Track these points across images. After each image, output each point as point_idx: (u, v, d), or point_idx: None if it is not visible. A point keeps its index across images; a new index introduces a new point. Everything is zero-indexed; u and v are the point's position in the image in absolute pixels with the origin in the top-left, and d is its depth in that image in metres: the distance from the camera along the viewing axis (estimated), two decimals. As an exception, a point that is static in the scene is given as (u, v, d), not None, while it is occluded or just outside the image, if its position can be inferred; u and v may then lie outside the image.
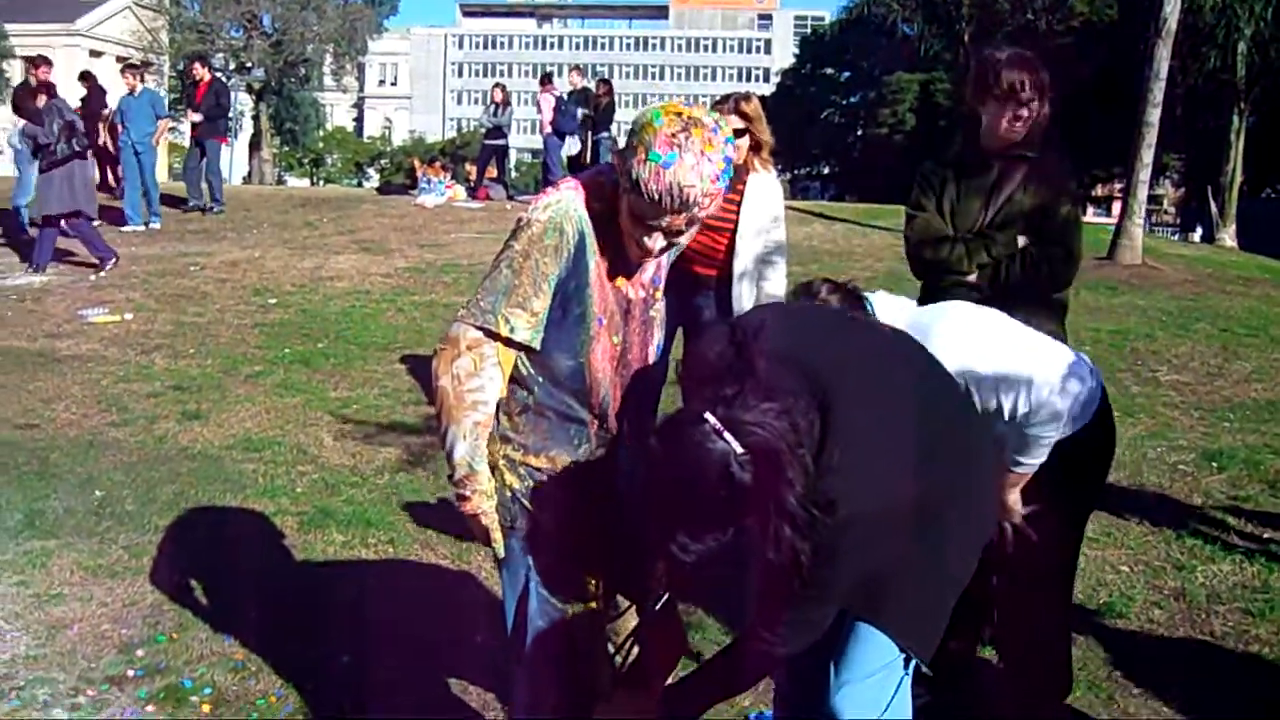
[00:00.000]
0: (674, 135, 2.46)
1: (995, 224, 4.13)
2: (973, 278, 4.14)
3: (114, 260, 12.51)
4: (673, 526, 2.26)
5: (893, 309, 3.37)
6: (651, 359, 2.90)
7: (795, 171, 66.57)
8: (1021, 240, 4.12)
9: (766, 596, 2.55)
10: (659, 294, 2.90)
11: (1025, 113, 4.08)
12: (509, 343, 2.67)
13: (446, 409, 2.67)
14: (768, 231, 5.50)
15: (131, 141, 15.28)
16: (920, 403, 2.55)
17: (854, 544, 2.37)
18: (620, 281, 2.74)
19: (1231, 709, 4.01)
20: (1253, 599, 4.89)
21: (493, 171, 20.61)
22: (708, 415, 2.22)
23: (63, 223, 12.45)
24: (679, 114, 2.50)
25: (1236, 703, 4.06)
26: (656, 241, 2.61)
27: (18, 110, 13.95)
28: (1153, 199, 39.68)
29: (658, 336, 2.92)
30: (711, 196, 2.52)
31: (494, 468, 2.74)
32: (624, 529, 2.81)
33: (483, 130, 21.71)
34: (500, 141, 20.42)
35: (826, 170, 66.23)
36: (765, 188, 5.52)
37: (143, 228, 15.11)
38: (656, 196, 2.48)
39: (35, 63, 13.91)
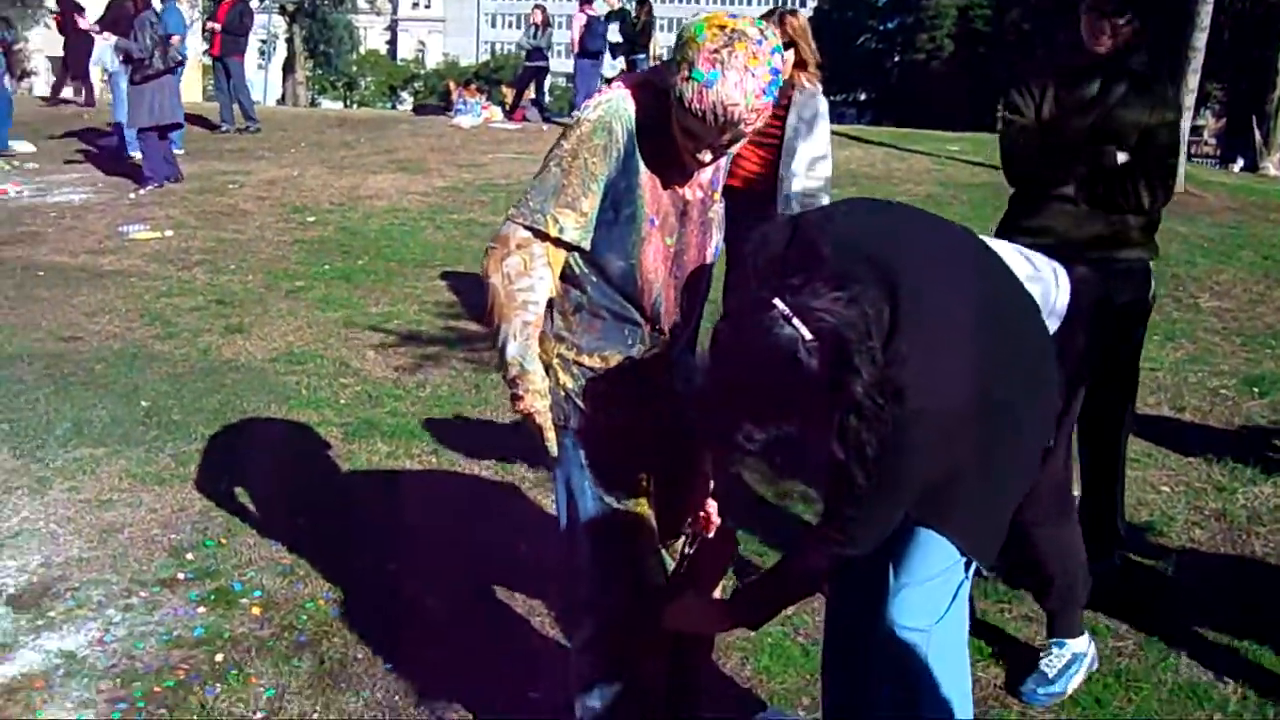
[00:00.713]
0: (716, 51, 2.41)
1: (1094, 137, 4.10)
2: (1068, 188, 4.13)
3: (159, 184, 12.48)
4: (738, 415, 2.24)
5: None
6: (709, 260, 2.89)
7: (832, 98, 65.61)
8: (1121, 156, 4.08)
9: (833, 493, 2.55)
10: (717, 195, 2.87)
11: (1107, 26, 4.05)
12: (558, 242, 2.66)
13: (498, 307, 2.67)
14: (812, 148, 5.46)
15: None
16: (989, 300, 2.51)
17: (921, 440, 2.34)
18: (677, 183, 2.73)
19: (1272, 626, 4.02)
20: (1294, 520, 4.89)
21: (530, 93, 20.48)
22: (776, 301, 2.18)
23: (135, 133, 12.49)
24: (722, 27, 2.45)
25: (1275, 618, 4.07)
26: (705, 155, 2.59)
27: (113, 26, 13.78)
28: (1194, 130, 39.19)
29: (716, 238, 2.90)
30: (758, 112, 2.48)
31: (548, 367, 2.74)
32: (679, 428, 2.82)
33: (521, 52, 21.54)
34: (540, 63, 20.22)
35: (864, 96, 65.56)
36: (810, 103, 5.48)
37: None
38: (700, 114, 2.46)
39: None
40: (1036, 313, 2.67)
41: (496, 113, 19.71)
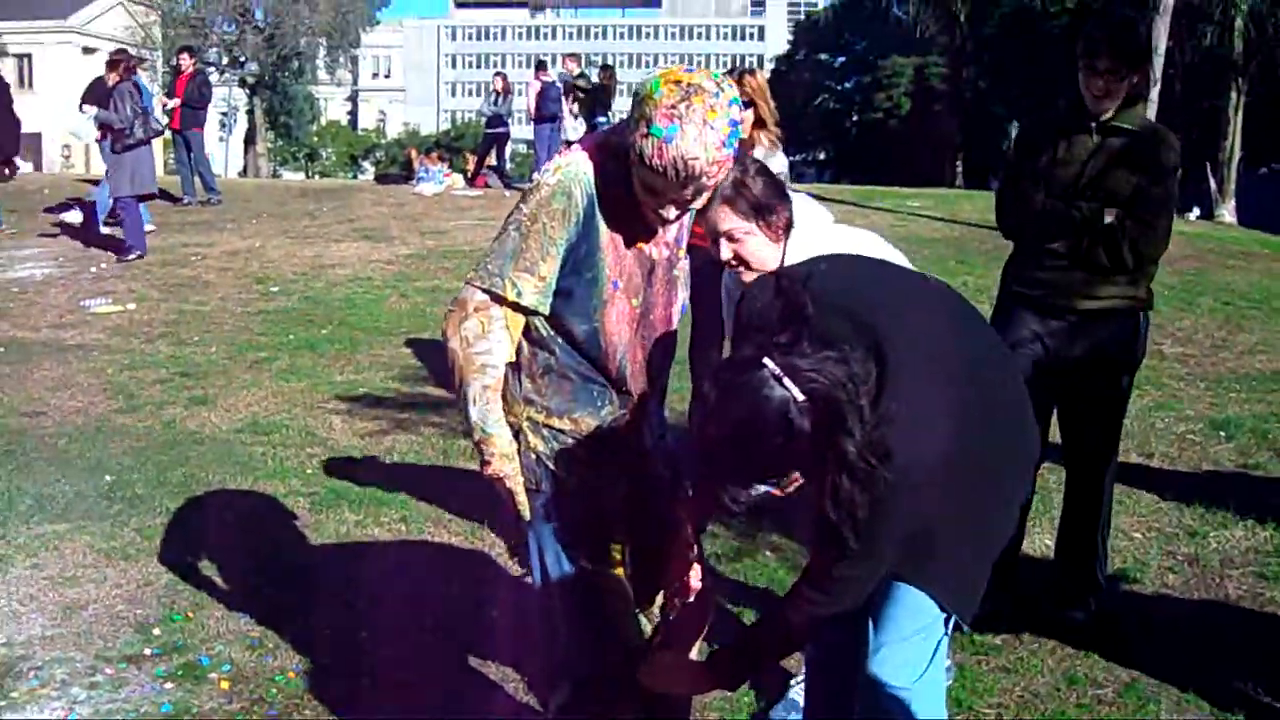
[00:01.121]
0: (674, 106, 2.42)
1: (1085, 192, 4.14)
2: (1058, 245, 4.18)
3: (141, 254, 12.43)
4: (724, 476, 2.23)
5: (805, 211, 3.37)
6: (675, 319, 2.88)
7: (791, 157, 66.10)
8: (1108, 216, 4.12)
9: (820, 552, 2.53)
10: (682, 252, 2.87)
11: (1101, 83, 4.09)
12: (516, 307, 2.65)
13: (458, 370, 2.66)
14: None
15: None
16: (968, 355, 2.52)
17: (906, 499, 2.33)
18: (641, 243, 2.72)
19: (1247, 668, 4.01)
20: (1266, 563, 4.90)
21: (492, 160, 20.58)
22: (767, 361, 2.17)
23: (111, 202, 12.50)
24: (678, 82, 2.45)
25: (1252, 662, 4.06)
26: (669, 211, 2.59)
27: (93, 100, 13.73)
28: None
29: (682, 296, 2.90)
30: (719, 164, 2.49)
31: (518, 430, 2.72)
32: (650, 493, 2.81)
33: (483, 119, 21.64)
34: (501, 130, 20.35)
35: (823, 155, 66.13)
36: (770, 163, 5.52)
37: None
38: (661, 170, 2.45)
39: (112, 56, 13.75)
40: (1013, 364, 2.68)
41: (458, 180, 19.77)
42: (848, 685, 2.68)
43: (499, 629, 4.31)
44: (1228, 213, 21.95)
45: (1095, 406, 4.28)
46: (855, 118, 61.94)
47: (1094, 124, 4.17)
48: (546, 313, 2.66)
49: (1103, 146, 4.15)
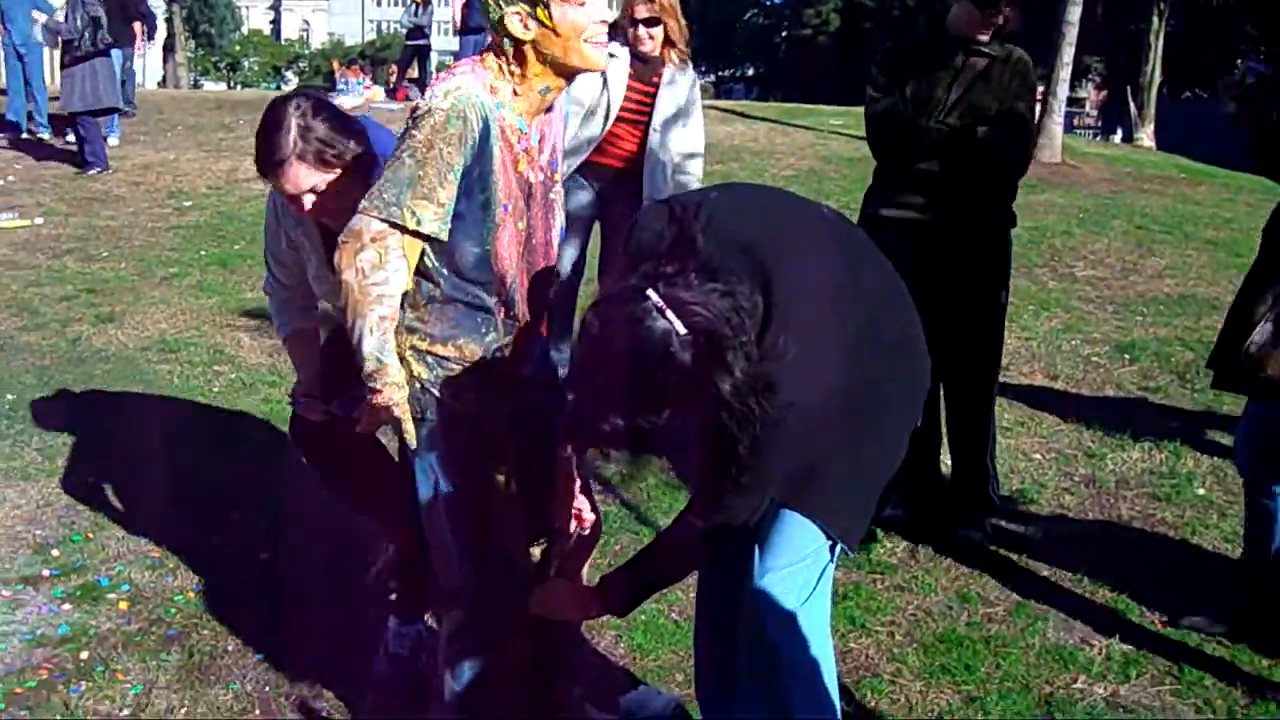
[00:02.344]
0: None
1: (953, 111, 4.20)
2: (931, 164, 4.24)
3: (102, 168, 12.15)
4: (605, 406, 2.22)
5: None
6: (555, 242, 2.87)
7: (719, 73, 66.13)
8: (981, 130, 4.19)
9: (701, 483, 2.54)
10: (557, 176, 2.86)
11: (1000, 19, 4.14)
12: (415, 234, 2.62)
13: (352, 303, 2.61)
14: (684, 123, 5.50)
15: (13, 42, 13.95)
16: (859, 288, 2.51)
17: (792, 431, 2.34)
18: (522, 165, 2.71)
19: (1134, 586, 4.12)
20: (1159, 484, 5.01)
21: (414, 72, 20.28)
22: (650, 292, 2.15)
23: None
24: None
25: (1139, 580, 4.17)
26: (605, 9, 2.65)
27: None
28: (1075, 101, 39.91)
29: (560, 219, 2.89)
30: None
31: (401, 358, 2.70)
32: (534, 417, 2.81)
33: (403, 31, 21.31)
34: (421, 41, 20.02)
35: (751, 72, 65.84)
36: (681, 79, 5.51)
37: (28, 136, 14.13)
38: None
39: None
40: (904, 293, 2.67)
41: (379, 92, 19.50)
42: (734, 610, 2.72)
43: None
44: (1146, 137, 22.10)
45: (974, 325, 4.34)
46: (784, 34, 61.59)
47: (960, 46, 4.23)
48: (445, 238, 2.64)
49: (966, 67, 4.24)
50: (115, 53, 12.51)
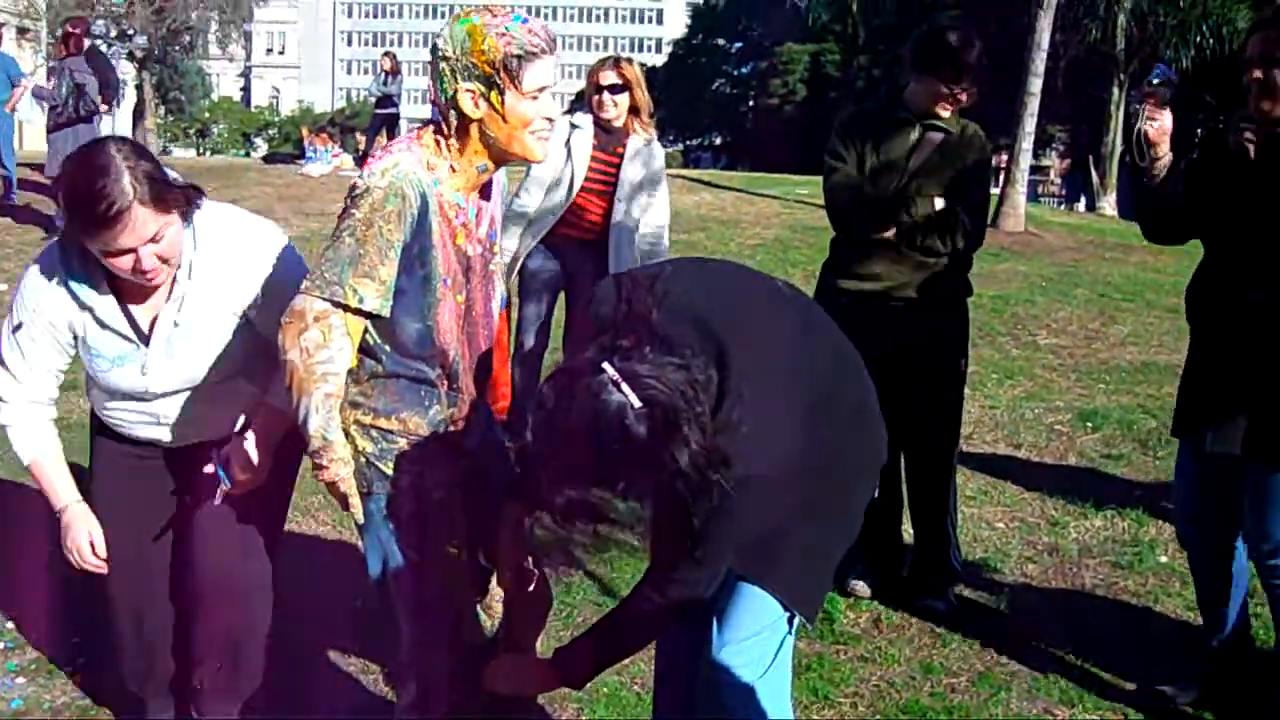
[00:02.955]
0: (493, 13, 2.59)
1: (909, 184, 4.25)
2: (889, 234, 4.26)
3: None
4: (559, 479, 2.20)
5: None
6: (495, 314, 2.89)
7: (687, 142, 66.71)
8: (939, 202, 4.25)
9: (656, 556, 2.53)
10: (496, 247, 2.90)
11: (963, 97, 4.22)
12: (358, 312, 2.62)
13: (297, 382, 2.60)
14: (650, 192, 5.54)
15: None
16: (814, 360, 2.53)
17: (747, 505, 2.32)
18: (460, 239, 2.72)
19: (1098, 654, 4.11)
20: (1122, 553, 5.02)
21: (383, 140, 20.37)
22: (605, 365, 2.14)
23: None
24: (474, 10, 2.61)
25: (1103, 648, 4.17)
26: (553, 106, 2.69)
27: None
28: (1039, 170, 40.40)
29: (500, 289, 2.92)
30: None
31: (346, 433, 2.69)
32: (481, 489, 2.80)
33: (372, 99, 21.44)
34: (390, 110, 20.17)
35: (719, 140, 66.41)
36: (645, 149, 5.56)
37: None
38: (544, 44, 2.58)
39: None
40: (859, 364, 2.68)
41: (347, 160, 19.55)
42: (693, 682, 2.70)
43: (360, 621, 4.27)
44: (1109, 205, 22.38)
45: (934, 394, 4.37)
46: (751, 103, 62.22)
47: (918, 120, 4.29)
48: (388, 315, 2.64)
49: (923, 141, 4.30)
50: (105, 119, 12.54)
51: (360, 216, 2.58)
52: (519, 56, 2.54)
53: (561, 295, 5.80)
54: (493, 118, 2.61)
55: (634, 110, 5.46)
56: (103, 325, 2.97)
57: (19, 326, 2.98)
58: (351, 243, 2.58)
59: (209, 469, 2.95)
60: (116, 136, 3.07)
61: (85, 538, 3.15)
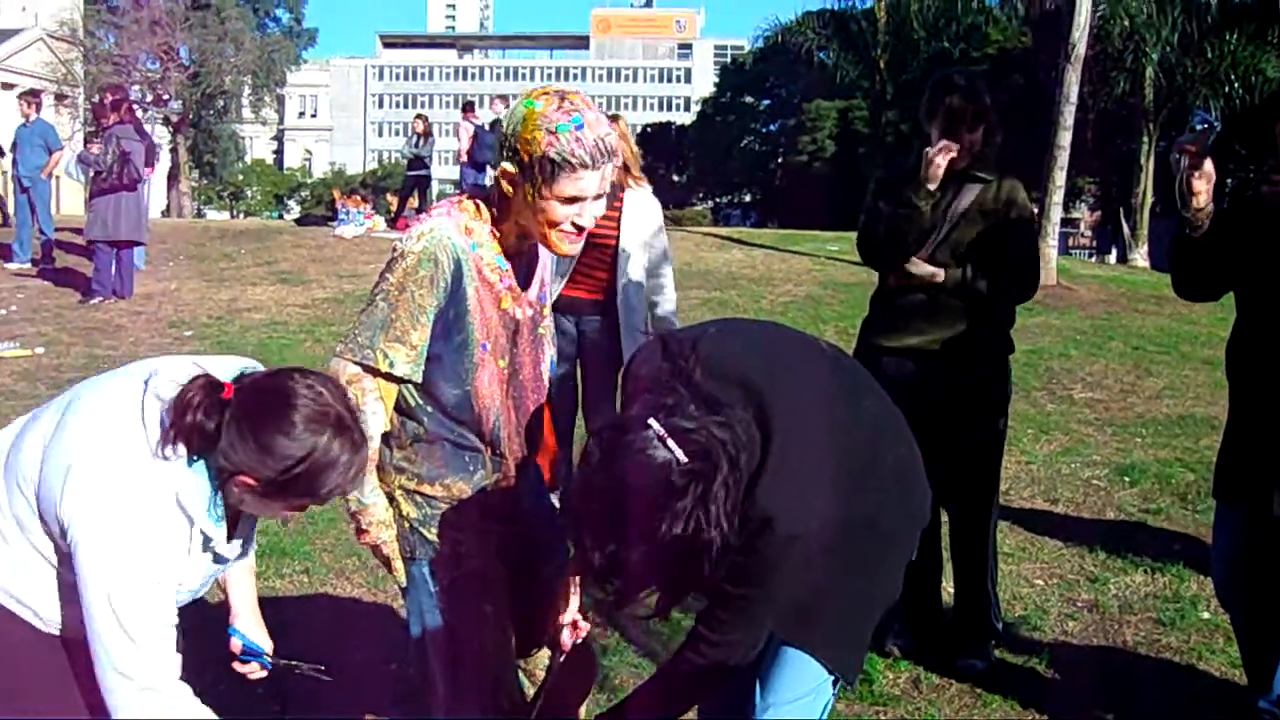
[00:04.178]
0: (560, 105, 2.49)
1: (948, 241, 4.25)
2: (939, 277, 4.25)
3: (105, 297, 12.35)
4: (602, 536, 2.20)
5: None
6: (545, 378, 2.87)
7: (717, 199, 66.99)
8: (956, 273, 4.25)
9: (700, 617, 2.52)
10: (546, 310, 2.88)
11: (970, 137, 4.18)
12: (389, 377, 2.63)
13: None
14: (650, 245, 5.61)
15: (19, 174, 14.63)
16: (856, 420, 2.51)
17: (789, 563, 2.32)
18: (506, 303, 2.72)
19: (1143, 714, 4.06)
20: (1164, 609, 4.96)
21: (414, 202, 20.54)
22: (652, 421, 2.14)
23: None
24: (546, 93, 2.54)
25: (1146, 707, 4.11)
26: (587, 216, 2.59)
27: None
28: (1070, 223, 40.37)
29: (550, 353, 2.90)
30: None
31: (391, 498, 2.70)
32: (528, 555, 2.79)
33: (404, 161, 21.63)
34: (422, 172, 20.35)
35: (748, 198, 66.64)
36: (642, 202, 5.63)
37: (28, 266, 14.47)
38: (588, 158, 2.48)
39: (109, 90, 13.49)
40: (901, 423, 2.66)
41: (380, 222, 19.69)
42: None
43: (400, 683, 4.26)
44: (1140, 257, 22.35)
45: (972, 452, 4.34)
46: (780, 160, 62.45)
47: (948, 177, 4.24)
48: (420, 380, 2.65)
49: (958, 197, 4.26)
50: (143, 187, 12.72)
51: (394, 281, 2.60)
52: (555, 162, 2.50)
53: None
54: (523, 204, 2.59)
55: (625, 166, 5.51)
56: (215, 556, 2.46)
57: (143, 580, 2.23)
58: (384, 307, 2.60)
59: (243, 659, 2.81)
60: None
61: None
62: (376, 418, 2.63)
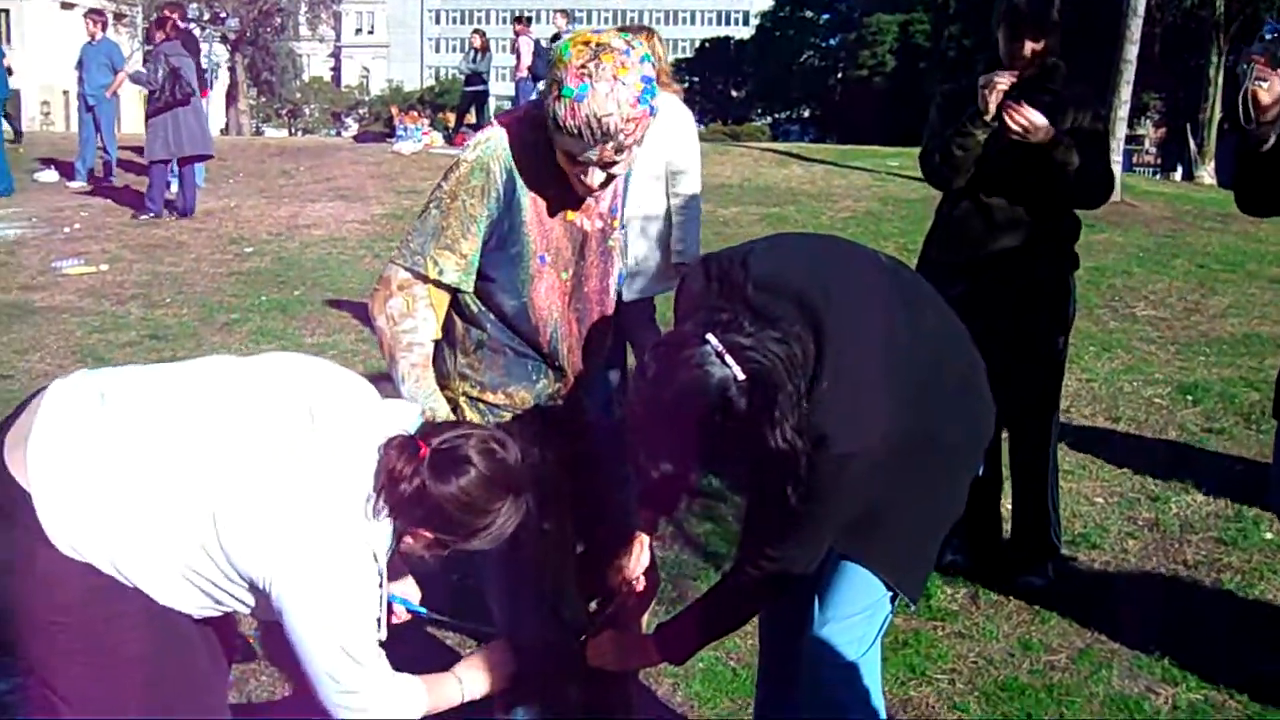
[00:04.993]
0: (584, 66, 2.40)
1: (1012, 153, 4.13)
2: (993, 201, 4.18)
3: (156, 214, 12.47)
4: (659, 452, 2.21)
5: None
6: (611, 291, 2.86)
7: (775, 115, 66.38)
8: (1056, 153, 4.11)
9: (754, 531, 2.52)
10: (617, 223, 2.85)
11: (1032, 45, 4.08)
12: (438, 285, 2.65)
13: (387, 349, 2.69)
14: (675, 150, 5.00)
15: (84, 93, 14.68)
16: (917, 334, 2.46)
17: (845, 480, 2.32)
18: (572, 214, 2.71)
19: (1201, 632, 4.04)
20: (1225, 528, 4.92)
21: (471, 118, 20.48)
22: (710, 336, 2.13)
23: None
24: (587, 43, 2.44)
25: (1207, 626, 4.10)
26: (594, 177, 2.55)
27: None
28: (1135, 139, 39.65)
29: (619, 265, 2.88)
30: (635, 121, 2.45)
31: (455, 404, 2.72)
32: (588, 466, 2.80)
33: (462, 77, 21.55)
34: (480, 87, 20.26)
35: (807, 113, 65.98)
36: (668, 109, 5.08)
37: (87, 185, 14.67)
38: (576, 131, 2.43)
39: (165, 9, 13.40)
40: (965, 339, 2.63)
41: (437, 138, 19.70)
42: (794, 659, 2.68)
43: (461, 594, 4.30)
44: (1207, 174, 21.97)
45: (1034, 369, 4.29)
46: (839, 75, 61.69)
47: (1019, 88, 4.13)
48: (470, 290, 2.67)
49: (1030, 103, 4.11)
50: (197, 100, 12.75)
51: (447, 189, 2.62)
52: (553, 119, 2.46)
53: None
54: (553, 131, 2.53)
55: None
56: None
57: (365, 628, 2.32)
58: (437, 215, 2.62)
59: (397, 609, 2.79)
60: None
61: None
62: (428, 324, 2.66)
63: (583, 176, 2.55)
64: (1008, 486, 4.57)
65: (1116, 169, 14.04)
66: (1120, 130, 14.05)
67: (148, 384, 2.33)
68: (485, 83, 20.33)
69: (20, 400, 2.38)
